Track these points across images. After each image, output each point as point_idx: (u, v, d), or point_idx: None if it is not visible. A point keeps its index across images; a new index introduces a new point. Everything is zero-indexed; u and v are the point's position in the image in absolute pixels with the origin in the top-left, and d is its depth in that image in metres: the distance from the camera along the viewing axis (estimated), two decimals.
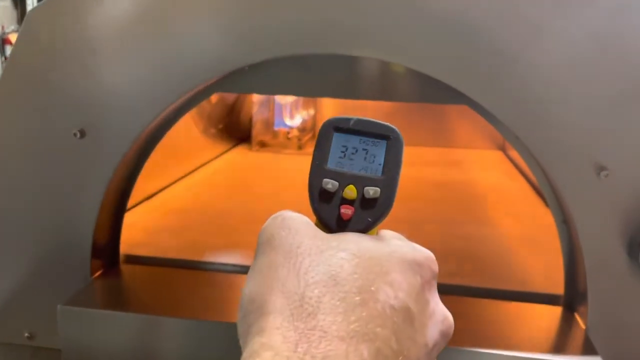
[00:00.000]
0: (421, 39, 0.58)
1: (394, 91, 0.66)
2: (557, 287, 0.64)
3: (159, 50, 0.61)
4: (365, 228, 0.27)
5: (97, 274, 0.68)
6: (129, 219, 0.74)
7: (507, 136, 0.61)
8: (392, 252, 0.25)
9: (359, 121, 0.28)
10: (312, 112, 1.49)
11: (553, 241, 0.63)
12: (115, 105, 0.63)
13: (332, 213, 0.27)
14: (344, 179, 0.27)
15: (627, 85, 0.55)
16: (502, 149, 1.40)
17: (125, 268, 0.71)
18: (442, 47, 0.57)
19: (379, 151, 0.28)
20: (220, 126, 1.33)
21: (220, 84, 0.65)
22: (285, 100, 1.39)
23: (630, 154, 0.56)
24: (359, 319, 0.22)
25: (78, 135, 0.62)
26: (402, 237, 0.28)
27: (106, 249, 0.69)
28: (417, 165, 1.29)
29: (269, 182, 1.10)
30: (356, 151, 0.28)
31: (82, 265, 0.66)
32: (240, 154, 1.37)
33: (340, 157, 0.28)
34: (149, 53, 0.62)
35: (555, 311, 0.64)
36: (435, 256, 0.28)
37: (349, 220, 0.27)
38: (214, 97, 1.25)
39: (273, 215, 0.27)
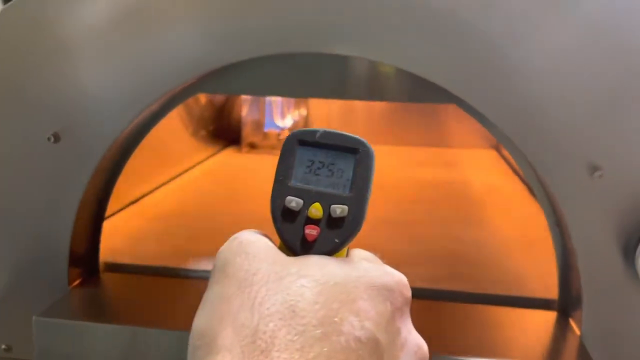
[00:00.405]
0: (408, 37, 0.56)
1: (383, 91, 0.64)
2: (552, 291, 0.62)
3: (137, 50, 0.59)
4: (331, 250, 0.25)
5: (76, 283, 0.65)
6: (111, 224, 0.72)
7: (498, 136, 0.59)
8: (359, 276, 0.23)
9: (326, 133, 0.26)
10: (304, 112, 1.47)
11: (548, 243, 0.61)
12: (91, 108, 0.60)
13: (296, 234, 0.25)
14: (309, 197, 0.25)
15: (621, 83, 0.53)
16: (496, 148, 1.38)
17: (105, 277, 0.69)
18: (429, 46, 0.55)
19: (347, 166, 0.25)
20: (210, 128, 1.31)
21: (202, 85, 0.63)
22: (276, 100, 1.37)
23: (625, 154, 0.54)
24: (319, 355, 0.20)
25: (52, 139, 0.60)
26: (374, 257, 0.26)
27: (85, 256, 0.67)
28: (409, 165, 1.28)
29: (259, 185, 1.07)
30: (322, 166, 0.25)
31: (59, 274, 0.63)
32: (229, 156, 1.35)
33: (306, 173, 0.25)
34: (126, 53, 0.59)
35: (550, 316, 0.62)
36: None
37: (315, 241, 0.25)
38: (203, 99, 1.23)
39: (230, 238, 0.25)
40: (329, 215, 0.25)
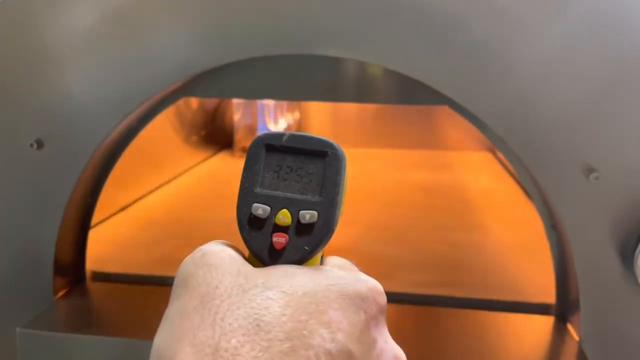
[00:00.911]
0: (398, 38, 0.55)
1: (375, 93, 0.63)
2: (550, 296, 0.61)
3: (123, 52, 0.58)
4: (301, 258, 0.23)
5: (61, 293, 0.64)
6: (99, 232, 0.70)
7: (492, 138, 0.58)
8: (329, 285, 0.22)
9: (293, 137, 0.25)
10: (297, 116, 1.45)
11: (545, 247, 0.60)
12: (75, 113, 0.59)
13: (264, 243, 0.24)
14: (277, 203, 0.24)
15: (616, 82, 0.52)
16: (492, 150, 1.37)
17: (92, 286, 0.67)
18: (419, 47, 0.55)
19: (316, 170, 0.24)
20: (202, 133, 1.30)
21: (190, 88, 0.62)
22: (268, 104, 1.35)
23: (621, 155, 0.52)
24: None
25: (35, 146, 0.59)
26: (349, 264, 0.25)
27: (70, 265, 0.65)
28: (404, 168, 1.26)
29: None
30: (290, 171, 0.24)
31: (44, 284, 0.62)
32: (222, 160, 1.33)
33: (273, 179, 0.24)
34: (112, 55, 0.58)
35: (548, 321, 0.61)
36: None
37: (283, 249, 0.23)
38: (194, 103, 1.22)
39: (194, 250, 0.24)
40: (298, 221, 0.24)
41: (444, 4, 0.53)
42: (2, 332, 0.62)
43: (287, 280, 0.21)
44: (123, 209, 0.92)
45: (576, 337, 0.56)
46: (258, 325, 0.20)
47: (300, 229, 0.24)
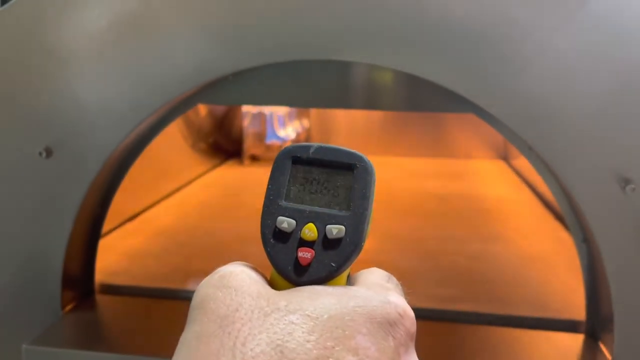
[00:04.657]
0: (426, 44, 0.53)
1: (395, 100, 0.62)
2: (578, 312, 0.59)
3: (136, 58, 0.56)
4: (328, 275, 0.22)
5: (69, 307, 0.62)
6: (108, 242, 0.68)
7: (520, 146, 0.55)
8: (356, 307, 0.20)
9: (320, 149, 0.24)
10: (306, 124, 1.43)
11: (570, 259, 0.58)
12: (86, 120, 0.57)
13: (289, 258, 0.22)
14: (303, 217, 0.23)
15: None
16: (504, 158, 1.34)
17: (101, 299, 0.65)
18: (446, 53, 0.53)
19: (344, 183, 0.23)
20: (210, 140, 1.28)
21: (202, 95, 0.60)
22: (277, 111, 1.33)
23: None
24: None
25: (44, 154, 0.56)
26: (385, 278, 0.23)
27: (79, 278, 0.63)
28: (416, 177, 1.24)
29: (261, 199, 1.04)
30: (317, 184, 0.24)
31: (51, 297, 0.60)
32: (231, 168, 1.31)
33: (299, 191, 0.23)
34: (124, 61, 0.57)
35: (577, 339, 0.58)
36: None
37: (309, 265, 0.22)
38: (203, 110, 1.20)
39: (212, 272, 0.22)
40: (325, 236, 0.22)
41: (468, 14, 0.51)
42: (8, 347, 0.60)
43: (311, 303, 0.20)
44: (131, 218, 0.90)
45: (609, 357, 0.54)
46: (282, 352, 0.18)
47: (326, 244, 0.22)
